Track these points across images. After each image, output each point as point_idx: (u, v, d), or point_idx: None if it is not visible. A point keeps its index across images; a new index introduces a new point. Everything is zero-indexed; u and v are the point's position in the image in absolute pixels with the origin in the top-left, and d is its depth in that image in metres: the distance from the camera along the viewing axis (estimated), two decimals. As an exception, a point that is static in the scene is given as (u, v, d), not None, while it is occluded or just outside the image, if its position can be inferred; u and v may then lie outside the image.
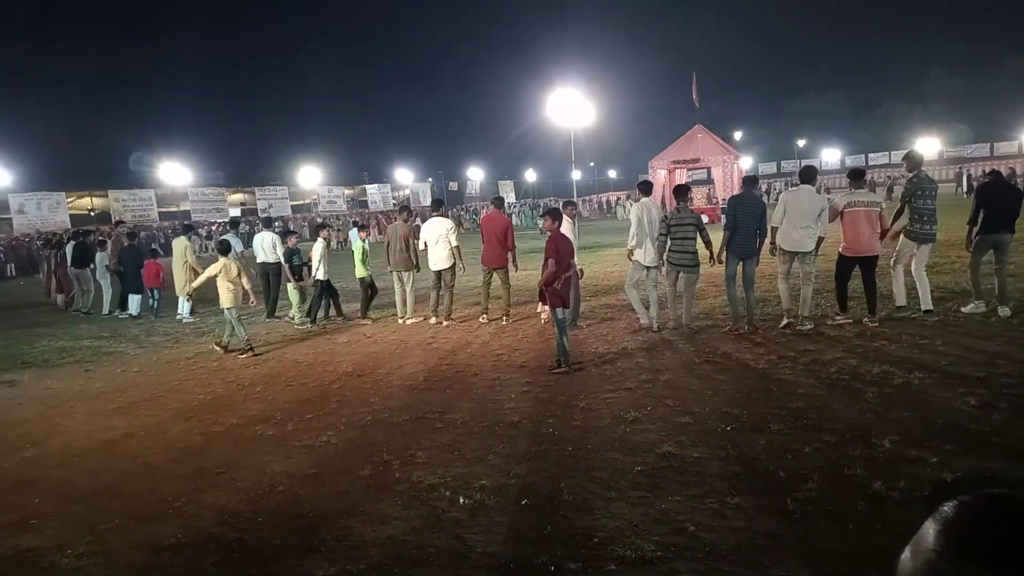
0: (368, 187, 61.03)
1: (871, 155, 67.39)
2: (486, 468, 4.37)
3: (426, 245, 9.71)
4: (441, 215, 10.16)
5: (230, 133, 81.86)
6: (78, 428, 6.03)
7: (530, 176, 70.08)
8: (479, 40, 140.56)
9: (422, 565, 3.27)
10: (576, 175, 26.66)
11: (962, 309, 7.55)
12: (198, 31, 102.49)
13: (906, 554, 0.63)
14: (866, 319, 7.45)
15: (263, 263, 11.32)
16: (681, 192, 8.18)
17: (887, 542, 3.09)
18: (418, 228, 10.59)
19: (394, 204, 59.40)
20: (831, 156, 66.81)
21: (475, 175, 69.30)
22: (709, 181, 30.22)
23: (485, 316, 9.55)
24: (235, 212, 49.73)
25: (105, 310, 13.24)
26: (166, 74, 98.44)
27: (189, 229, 13.61)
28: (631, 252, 8.12)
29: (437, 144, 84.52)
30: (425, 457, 4.64)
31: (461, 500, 3.90)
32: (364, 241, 10.80)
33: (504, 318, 9.41)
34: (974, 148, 60.66)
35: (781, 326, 7.55)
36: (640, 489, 3.88)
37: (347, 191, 59.86)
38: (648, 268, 8.11)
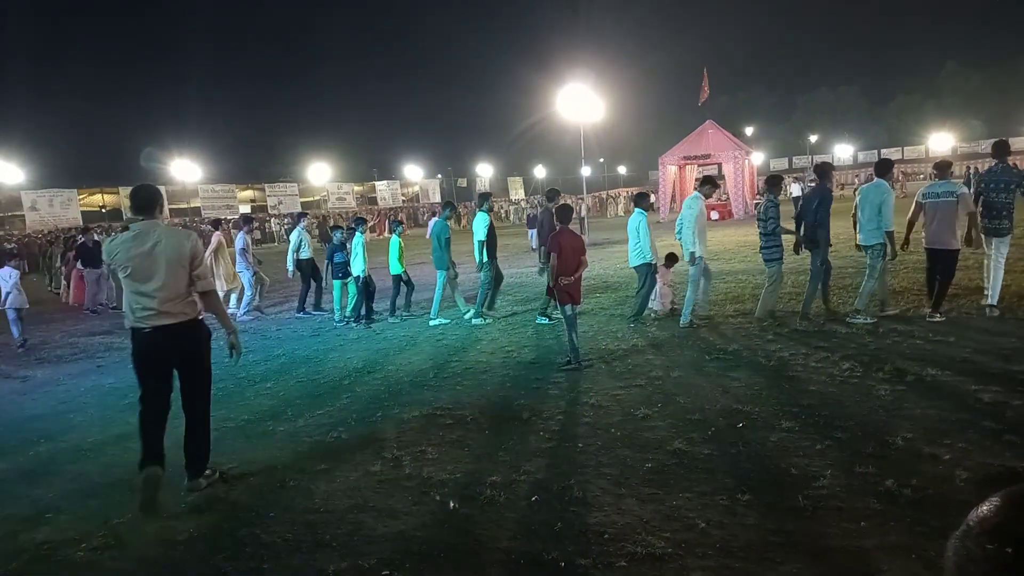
0: (377, 183, 61.12)
1: (884, 150, 66.84)
2: (496, 464, 4.38)
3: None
4: (485, 211, 9.77)
5: (240, 130, 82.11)
6: (91, 423, 6.09)
7: (539, 172, 69.94)
8: (489, 35, 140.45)
9: (433, 560, 3.28)
10: (586, 171, 26.58)
11: None
12: (208, 28, 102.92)
13: (956, 539, 0.63)
14: (928, 315, 7.22)
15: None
16: (769, 182, 8.17)
17: (900, 540, 3.08)
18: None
19: (403, 200, 59.58)
20: (843, 151, 66.31)
21: (484, 171, 69.25)
22: (720, 177, 30.11)
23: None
24: (245, 209, 49.96)
25: (113, 304, 13.43)
26: (177, 71, 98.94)
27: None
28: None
29: (446, 140, 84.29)
30: (435, 453, 4.65)
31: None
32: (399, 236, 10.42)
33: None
34: (988, 143, 60.04)
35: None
36: (650, 486, 3.88)
37: (356, 188, 60.01)
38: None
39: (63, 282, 15.80)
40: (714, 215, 27.65)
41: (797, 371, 5.90)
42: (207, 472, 4.35)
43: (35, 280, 24.30)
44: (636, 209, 8.59)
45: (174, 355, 4.17)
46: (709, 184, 8.40)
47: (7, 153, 40.23)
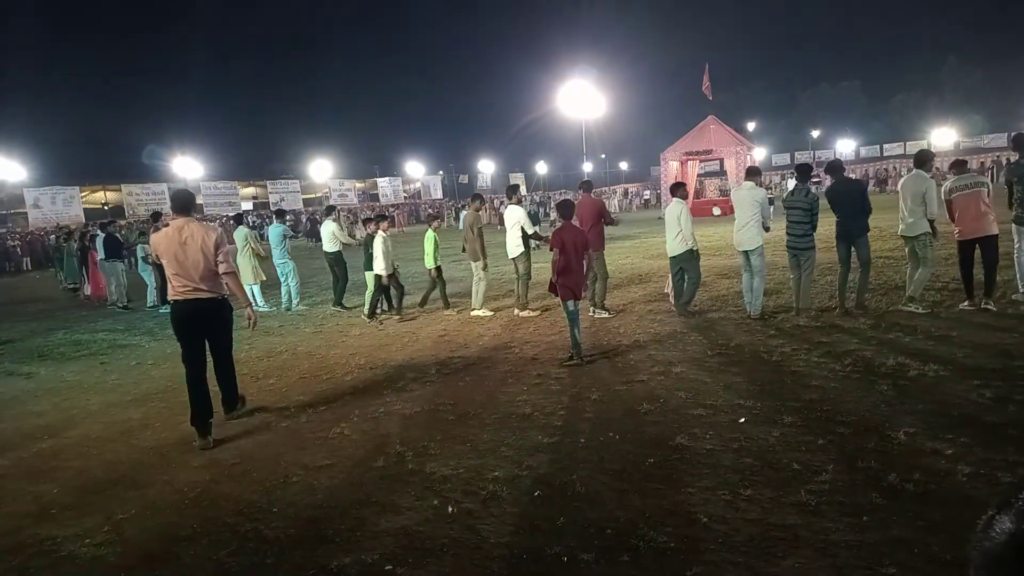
0: (379, 180, 61.16)
1: (886, 146, 66.69)
2: (499, 460, 4.39)
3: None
4: (515, 203, 9.75)
5: (242, 126, 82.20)
6: (95, 419, 6.10)
7: (541, 168, 69.90)
8: (490, 32, 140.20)
9: (436, 555, 3.28)
10: (587, 167, 26.58)
11: None
12: (209, 25, 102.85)
13: (981, 539, 0.64)
14: (983, 302, 7.30)
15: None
16: (801, 172, 8.30)
17: (902, 534, 3.08)
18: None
19: (404, 197, 59.59)
20: (845, 147, 66.17)
21: (486, 167, 69.24)
22: (722, 173, 30.01)
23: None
24: (247, 205, 50.00)
25: (149, 302, 13.29)
26: (178, 68, 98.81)
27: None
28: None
29: (448, 137, 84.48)
30: (438, 448, 4.65)
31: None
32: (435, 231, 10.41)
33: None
34: (991, 138, 59.83)
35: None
36: (653, 481, 3.88)
37: (358, 184, 60.04)
38: (743, 252, 8.13)
39: (83, 277, 15.64)
40: (716, 211, 27.65)
41: (799, 366, 5.89)
42: (238, 407, 5.81)
43: (37, 277, 24.34)
44: (675, 199, 8.71)
45: (203, 323, 5.32)
46: (758, 175, 8.66)
47: (9, 151, 40.28)
